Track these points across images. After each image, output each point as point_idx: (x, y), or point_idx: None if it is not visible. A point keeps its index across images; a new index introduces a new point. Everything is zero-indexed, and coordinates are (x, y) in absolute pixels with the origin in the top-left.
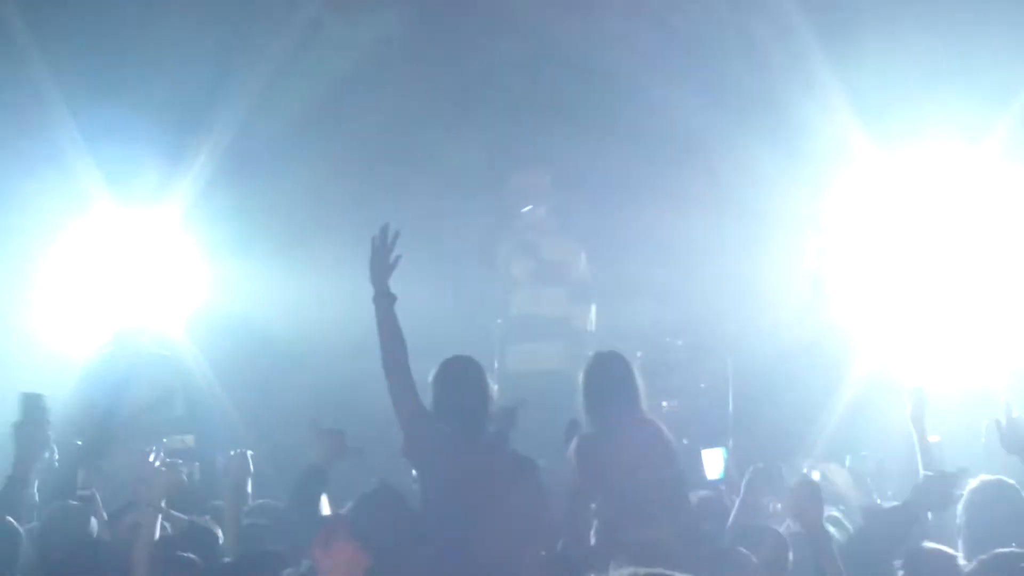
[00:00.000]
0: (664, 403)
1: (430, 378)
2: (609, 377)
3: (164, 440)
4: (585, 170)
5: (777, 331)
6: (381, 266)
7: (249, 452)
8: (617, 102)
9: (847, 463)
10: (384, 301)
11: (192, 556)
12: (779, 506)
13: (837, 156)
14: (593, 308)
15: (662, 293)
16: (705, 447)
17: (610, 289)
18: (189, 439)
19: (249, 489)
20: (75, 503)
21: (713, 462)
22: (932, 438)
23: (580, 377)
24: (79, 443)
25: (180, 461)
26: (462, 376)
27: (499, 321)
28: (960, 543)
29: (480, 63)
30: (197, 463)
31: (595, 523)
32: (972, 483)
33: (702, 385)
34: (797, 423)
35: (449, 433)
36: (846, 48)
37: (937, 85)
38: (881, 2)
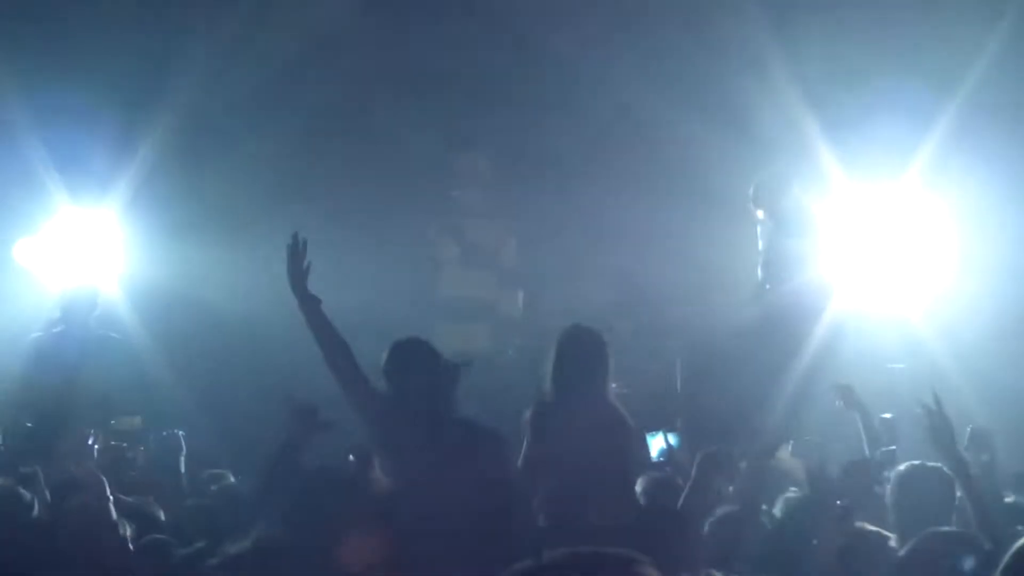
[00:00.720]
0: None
1: (382, 363)
2: (581, 351)
3: (112, 422)
4: (531, 152)
5: (726, 312)
6: (297, 274)
7: (181, 432)
8: (563, 84)
9: (789, 448)
10: (309, 306)
11: (166, 538)
12: (730, 489)
13: (783, 137)
14: (521, 294)
15: (609, 275)
16: (652, 430)
17: (557, 271)
18: (137, 420)
19: (183, 469)
20: (12, 483)
21: (656, 445)
22: (885, 415)
23: (552, 349)
24: (29, 425)
25: (124, 444)
26: (414, 357)
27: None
28: (892, 525)
29: (427, 46)
30: (142, 447)
31: (541, 501)
32: (900, 467)
33: (651, 368)
34: (747, 405)
35: (410, 415)
36: (793, 30)
37: (881, 67)
38: None
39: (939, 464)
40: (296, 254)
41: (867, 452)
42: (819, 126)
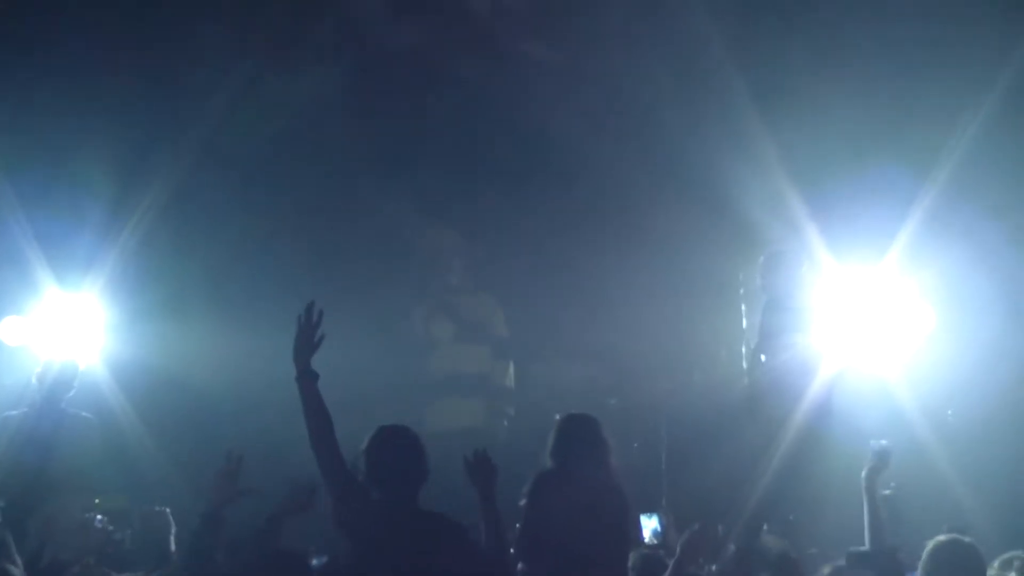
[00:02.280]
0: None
1: (363, 446)
2: (581, 429)
3: (96, 500)
4: (518, 229)
5: (711, 390)
6: (306, 345)
7: (167, 509)
8: (549, 163)
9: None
10: (307, 380)
11: None
12: (714, 568)
13: (768, 220)
14: (511, 365)
15: (595, 353)
16: (638, 506)
17: (543, 349)
18: (122, 500)
19: (172, 547)
20: None
21: (649, 526)
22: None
23: (552, 432)
24: (1, 504)
25: (111, 526)
26: (394, 444)
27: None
28: None
29: (412, 125)
30: (129, 530)
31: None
32: (930, 544)
33: (635, 444)
34: (732, 482)
35: (380, 501)
36: (778, 113)
37: (864, 150)
38: (811, 70)
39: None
40: (309, 324)
41: (867, 543)
42: (803, 207)
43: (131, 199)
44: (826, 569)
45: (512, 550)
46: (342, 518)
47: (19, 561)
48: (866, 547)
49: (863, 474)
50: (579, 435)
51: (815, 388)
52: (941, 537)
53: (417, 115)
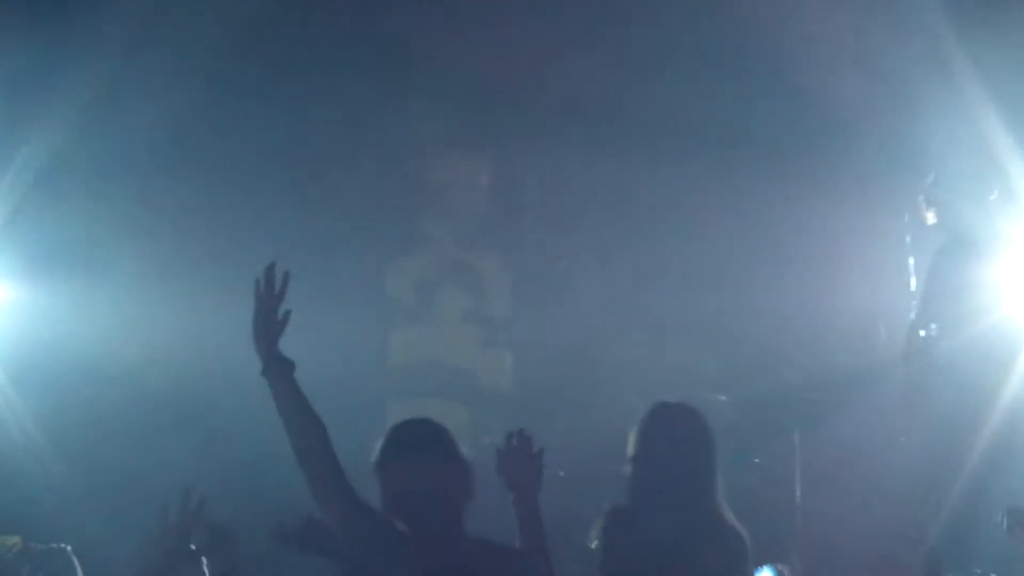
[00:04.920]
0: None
1: (374, 456)
2: (678, 435)
3: None
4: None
5: (865, 383)
6: (268, 325)
7: (69, 547)
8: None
9: None
10: (278, 372)
11: None
12: None
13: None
14: (510, 358)
15: (691, 332)
16: (757, 554)
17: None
18: (14, 540)
19: None
20: None
21: None
22: None
23: (634, 433)
24: None
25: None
26: (418, 448)
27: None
28: None
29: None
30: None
31: None
32: None
33: (756, 460)
34: (895, 519)
35: (406, 533)
36: None
37: None
38: None
39: None
40: (270, 294)
41: None
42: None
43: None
44: None
45: None
46: (353, 559)
47: None
48: None
49: None
50: (675, 446)
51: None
52: None
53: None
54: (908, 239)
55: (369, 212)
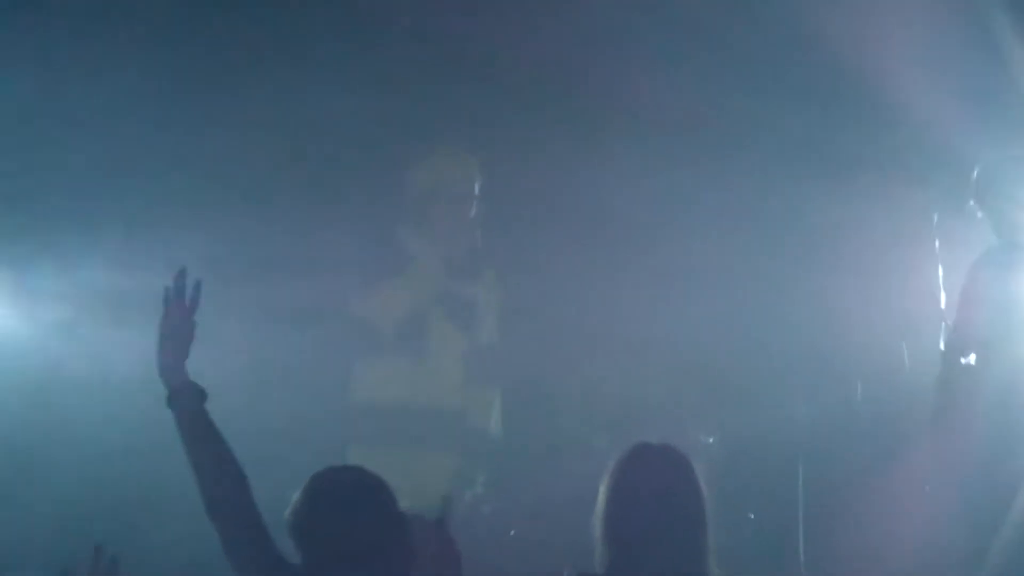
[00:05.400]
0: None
1: (288, 511)
2: (657, 486)
3: None
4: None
5: (880, 411)
6: (176, 342)
7: None
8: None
9: None
10: (185, 402)
11: None
12: None
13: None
14: (498, 398)
15: (678, 357)
16: None
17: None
18: None
19: None
20: None
21: None
22: None
23: (605, 483)
24: None
25: None
26: (346, 500)
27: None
28: None
29: None
30: None
31: None
32: None
33: (751, 515)
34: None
35: None
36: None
37: None
38: None
39: None
40: (180, 306)
41: None
42: None
43: None
44: None
45: None
46: None
47: None
48: None
49: None
50: (655, 499)
51: None
52: None
53: None
54: (936, 244)
55: (335, 224)
